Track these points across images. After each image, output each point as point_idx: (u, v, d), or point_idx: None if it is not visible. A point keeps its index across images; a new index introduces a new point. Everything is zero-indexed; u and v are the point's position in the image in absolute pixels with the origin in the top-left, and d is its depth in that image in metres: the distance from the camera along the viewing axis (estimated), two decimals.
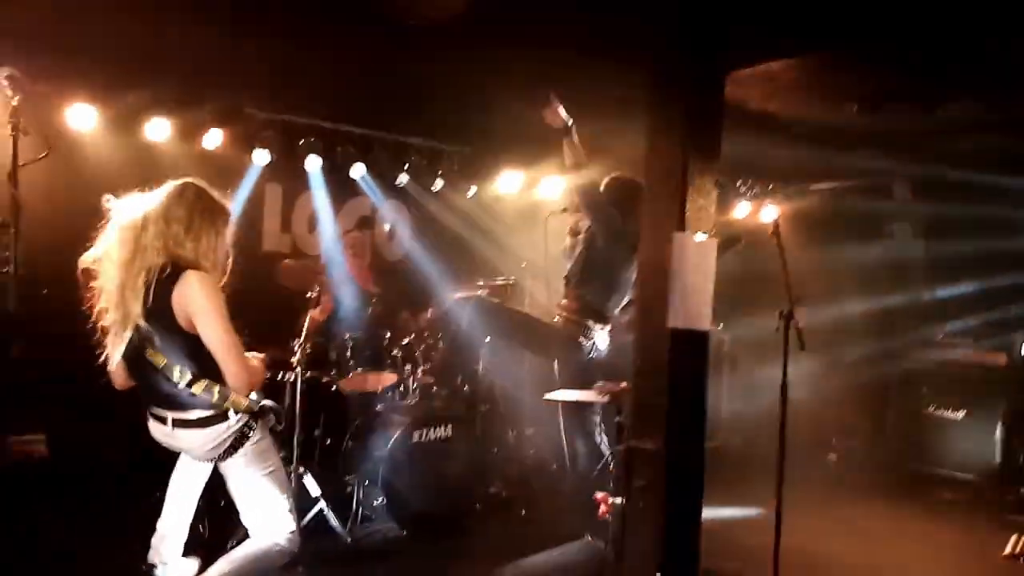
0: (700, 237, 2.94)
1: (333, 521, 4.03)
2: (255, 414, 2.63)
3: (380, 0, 3.44)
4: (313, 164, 5.22)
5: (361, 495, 4.26)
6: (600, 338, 4.26)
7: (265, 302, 4.32)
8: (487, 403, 5.08)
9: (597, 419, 4.34)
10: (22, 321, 4.01)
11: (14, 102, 3.92)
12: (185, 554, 2.84)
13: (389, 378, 4.62)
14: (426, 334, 4.95)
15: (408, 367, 4.65)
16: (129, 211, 2.59)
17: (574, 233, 4.56)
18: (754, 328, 5.72)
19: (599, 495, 3.52)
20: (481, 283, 5.17)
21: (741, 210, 6.76)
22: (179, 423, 2.59)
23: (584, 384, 3.84)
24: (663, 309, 2.90)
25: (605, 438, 4.30)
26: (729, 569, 3.80)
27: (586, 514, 3.89)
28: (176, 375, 2.52)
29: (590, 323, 4.21)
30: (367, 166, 5.46)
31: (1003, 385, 5.68)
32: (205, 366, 2.54)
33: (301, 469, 4.05)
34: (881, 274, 6.67)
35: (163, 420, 2.62)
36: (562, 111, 4.00)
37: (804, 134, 5.45)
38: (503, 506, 4.71)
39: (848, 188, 6.78)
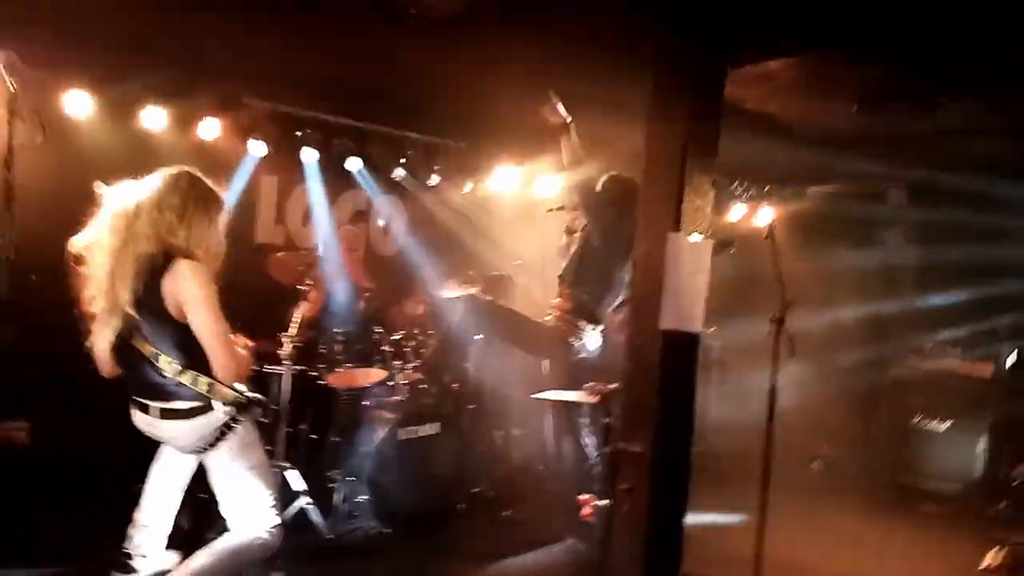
0: (695, 238, 2.94)
1: (315, 517, 4.01)
2: (241, 406, 2.61)
3: None
4: (309, 156, 5.19)
5: (345, 491, 4.25)
6: (592, 338, 4.25)
7: (256, 294, 4.30)
8: (475, 402, 5.07)
9: (585, 420, 4.34)
10: (11, 307, 3.99)
11: (11, 87, 3.88)
12: (165, 547, 2.82)
13: (378, 374, 4.60)
14: (417, 330, 4.94)
15: (398, 363, 4.64)
16: (122, 198, 2.57)
17: (570, 231, 4.56)
18: (743, 333, 5.73)
19: (584, 497, 3.53)
20: (472, 274, 5.15)
21: (736, 212, 6.77)
22: (164, 413, 2.57)
23: (574, 384, 3.84)
24: (656, 309, 2.90)
25: (592, 439, 4.30)
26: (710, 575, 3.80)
27: (570, 516, 3.90)
28: (163, 364, 2.51)
29: (582, 323, 4.21)
30: (363, 159, 5.44)
31: (988, 397, 5.71)
32: (193, 356, 2.52)
33: (285, 463, 4.03)
34: (872, 280, 6.68)
35: (148, 410, 2.60)
36: (561, 109, 4.00)
37: (801, 136, 5.47)
38: (487, 506, 4.70)
39: (843, 192, 6.79)
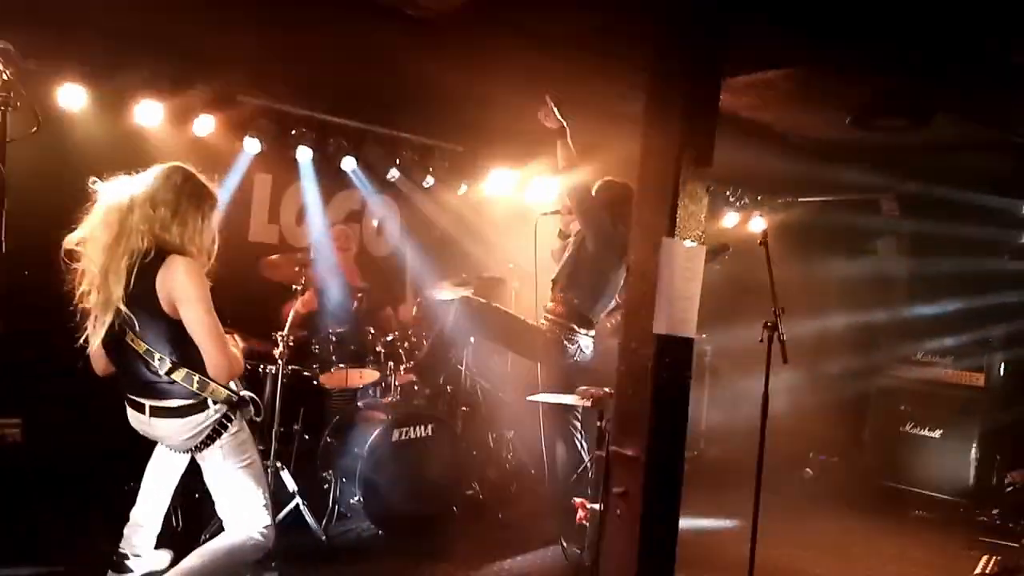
0: (689, 243, 2.94)
1: (309, 517, 3.99)
2: (234, 405, 2.60)
3: None
4: (304, 155, 5.18)
5: (338, 492, 4.22)
6: (585, 342, 4.25)
7: (250, 293, 4.29)
8: (469, 404, 5.06)
9: (578, 424, 4.34)
10: (3, 303, 3.95)
11: (5, 76, 3.85)
12: (158, 546, 2.81)
13: (371, 375, 4.59)
14: (410, 331, 4.93)
15: (391, 364, 4.62)
16: (115, 193, 2.56)
17: (564, 235, 4.56)
18: (736, 339, 5.74)
19: (577, 501, 3.52)
20: (465, 275, 5.15)
21: (729, 220, 6.79)
22: (157, 411, 2.56)
23: (567, 388, 3.84)
24: (650, 314, 2.90)
25: (585, 443, 4.30)
26: None
27: (563, 519, 3.89)
28: (156, 362, 2.49)
29: (575, 327, 4.21)
30: (358, 159, 5.43)
31: (979, 405, 5.74)
32: (186, 353, 2.51)
33: (278, 463, 4.02)
34: (864, 289, 6.71)
35: (141, 408, 2.59)
36: (557, 113, 4.00)
37: (795, 145, 5.50)
38: (481, 508, 4.69)
39: (835, 202, 6.83)
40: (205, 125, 4.69)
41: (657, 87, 3.03)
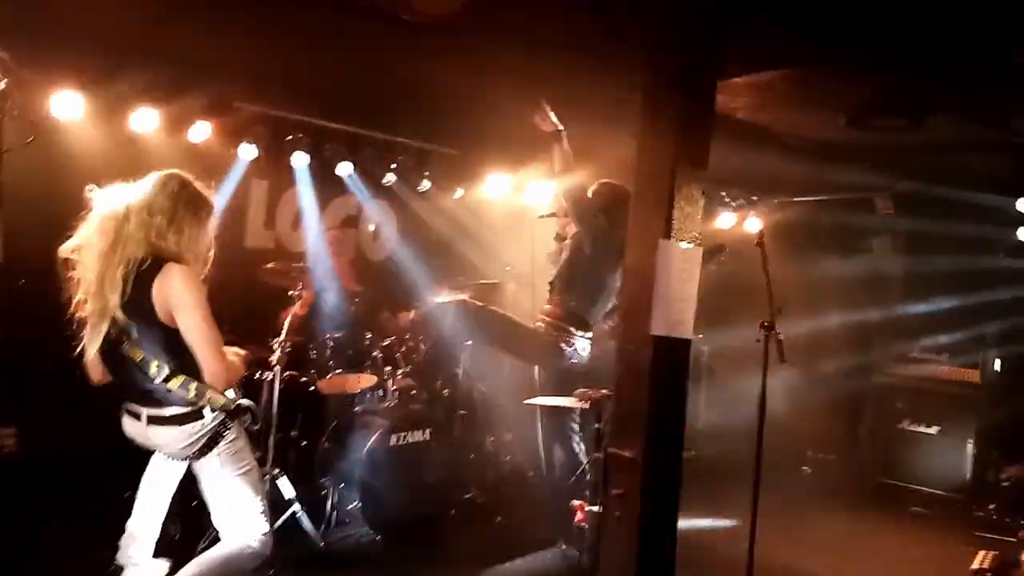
0: (686, 245, 2.95)
1: (307, 524, 3.98)
2: (231, 413, 2.60)
3: None
4: (300, 160, 5.18)
5: (336, 498, 4.22)
6: (582, 345, 4.26)
7: (246, 299, 4.28)
8: (466, 407, 5.06)
9: (576, 426, 4.34)
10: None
11: (1, 85, 3.85)
12: (156, 555, 2.80)
13: (368, 379, 4.59)
14: (407, 336, 4.92)
15: (388, 369, 4.62)
16: (112, 201, 2.55)
17: (560, 238, 4.56)
18: (732, 339, 5.76)
19: (576, 503, 3.52)
20: (462, 279, 5.15)
21: (724, 220, 6.80)
22: (154, 420, 2.56)
23: (565, 390, 3.84)
24: (647, 316, 2.91)
25: (583, 445, 4.30)
26: None
27: (561, 522, 3.90)
28: (153, 370, 2.49)
29: (573, 329, 4.21)
30: (354, 164, 5.43)
31: (976, 402, 5.77)
32: (183, 361, 2.51)
33: (276, 470, 4.01)
34: (859, 288, 6.74)
35: (137, 416, 2.58)
36: (553, 117, 4.01)
37: (791, 146, 5.51)
38: (479, 512, 4.69)
39: (831, 201, 6.85)
40: (201, 132, 4.69)
41: (653, 89, 3.04)
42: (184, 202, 2.60)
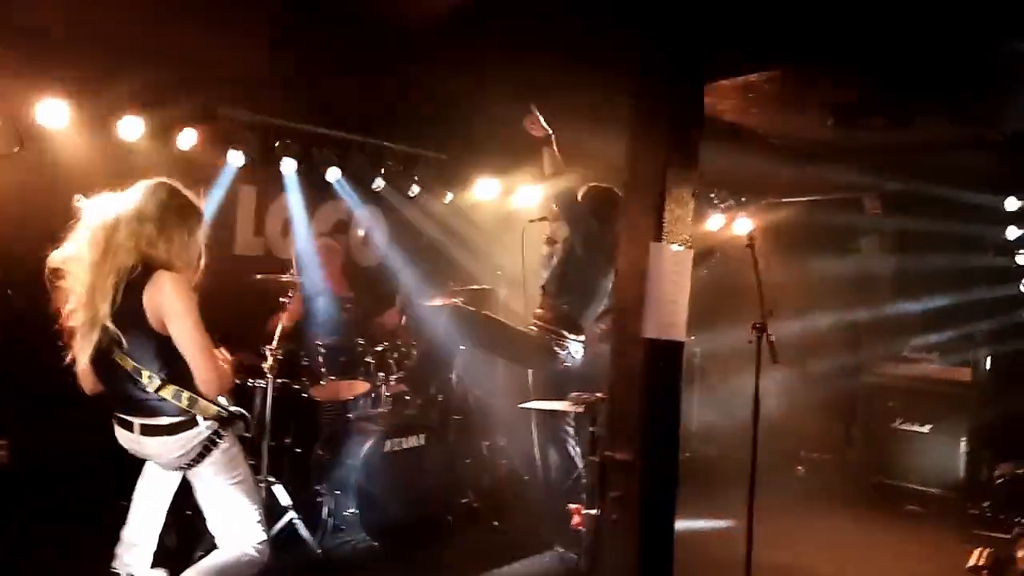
0: (676, 247, 2.96)
1: (303, 531, 3.96)
2: (224, 421, 2.58)
3: (362, 2, 3.43)
4: (288, 167, 5.16)
5: (332, 505, 4.20)
6: (575, 348, 4.26)
7: (237, 306, 4.25)
8: (461, 412, 5.05)
9: (571, 429, 4.34)
10: None
11: None
12: (153, 565, 2.77)
13: (361, 386, 4.57)
14: (399, 341, 4.91)
15: (381, 375, 4.61)
16: (101, 211, 2.53)
17: (551, 242, 4.57)
18: (724, 340, 5.77)
19: (573, 506, 3.52)
20: (454, 285, 5.14)
21: (714, 222, 6.82)
22: (146, 429, 2.54)
23: (558, 394, 3.84)
24: (639, 318, 2.91)
25: (578, 449, 4.30)
26: None
27: (558, 525, 3.89)
28: (145, 379, 2.47)
29: (565, 332, 4.21)
30: (343, 170, 5.42)
31: (967, 400, 5.79)
32: (175, 370, 2.49)
33: (271, 478, 3.99)
34: (850, 287, 6.77)
35: (130, 426, 2.56)
36: (542, 121, 4.02)
37: (779, 147, 5.54)
38: (475, 517, 4.68)
39: (819, 201, 6.88)
40: (189, 139, 4.67)
41: (642, 92, 3.05)
42: (174, 210, 2.58)
